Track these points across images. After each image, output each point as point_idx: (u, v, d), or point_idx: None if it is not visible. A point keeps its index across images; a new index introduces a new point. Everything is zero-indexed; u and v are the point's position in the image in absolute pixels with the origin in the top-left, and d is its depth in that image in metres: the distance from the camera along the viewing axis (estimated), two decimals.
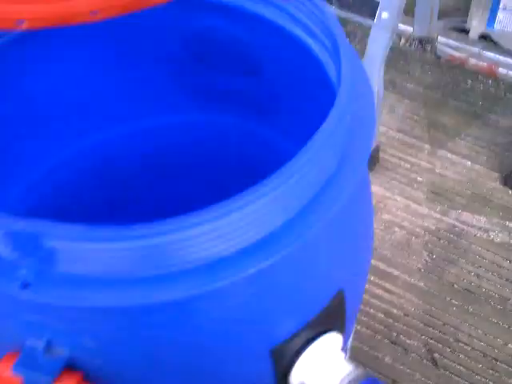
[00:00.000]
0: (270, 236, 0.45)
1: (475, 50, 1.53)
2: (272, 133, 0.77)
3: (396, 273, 1.20)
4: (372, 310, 1.14)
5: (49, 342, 0.48)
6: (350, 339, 0.70)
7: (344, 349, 0.65)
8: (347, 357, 0.76)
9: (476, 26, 1.57)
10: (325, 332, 0.55)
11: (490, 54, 1.52)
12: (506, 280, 1.19)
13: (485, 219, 1.29)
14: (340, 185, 0.47)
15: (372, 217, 0.63)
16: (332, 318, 0.56)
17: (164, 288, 0.43)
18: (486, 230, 1.27)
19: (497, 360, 1.08)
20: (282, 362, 0.54)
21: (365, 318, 1.12)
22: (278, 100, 0.73)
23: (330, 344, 0.55)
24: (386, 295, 1.16)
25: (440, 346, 1.09)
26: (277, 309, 0.50)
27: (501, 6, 1.50)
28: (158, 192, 0.85)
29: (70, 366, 0.48)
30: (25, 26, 0.42)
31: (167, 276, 0.43)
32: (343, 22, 1.61)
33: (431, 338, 1.10)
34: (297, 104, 0.71)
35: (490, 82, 1.55)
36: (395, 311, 1.14)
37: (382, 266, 1.20)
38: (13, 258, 0.43)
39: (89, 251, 0.42)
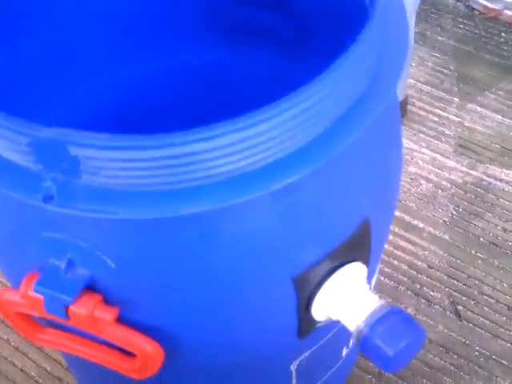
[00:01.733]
0: (297, 152, 0.43)
1: (510, 0, 1.49)
2: (300, 69, 0.75)
3: (421, 225, 1.18)
4: (396, 262, 1.13)
5: (70, 262, 0.47)
6: (375, 278, 0.69)
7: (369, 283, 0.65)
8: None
9: None
10: (349, 262, 0.54)
11: None
12: None
13: None
14: (371, 104, 0.45)
15: (401, 147, 0.61)
16: (357, 248, 0.55)
17: (187, 201, 0.42)
18: None
19: None
20: (305, 291, 0.53)
21: (388, 269, 1.11)
22: (307, 34, 0.71)
23: (354, 274, 0.54)
24: (411, 247, 1.15)
25: (464, 298, 1.08)
26: (300, 233, 0.49)
27: None
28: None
29: (90, 288, 0.48)
30: None
31: (191, 189, 0.42)
32: None
33: (455, 291, 1.09)
34: (326, 38, 0.69)
35: None
36: (419, 263, 1.13)
37: (407, 218, 1.19)
38: (37, 169, 0.42)
39: (113, 161, 0.41)
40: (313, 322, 0.56)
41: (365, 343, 0.52)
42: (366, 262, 0.57)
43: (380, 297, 0.55)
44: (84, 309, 0.47)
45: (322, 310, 0.54)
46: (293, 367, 0.65)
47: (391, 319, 0.52)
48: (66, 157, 0.41)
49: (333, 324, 0.57)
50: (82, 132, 0.40)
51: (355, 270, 0.55)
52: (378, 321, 0.52)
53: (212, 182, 0.43)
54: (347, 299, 0.53)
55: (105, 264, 0.47)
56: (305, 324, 0.57)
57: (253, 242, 0.48)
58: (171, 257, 0.47)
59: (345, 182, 0.50)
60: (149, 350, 0.51)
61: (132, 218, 0.43)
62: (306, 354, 0.64)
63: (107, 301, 0.49)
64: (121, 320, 0.50)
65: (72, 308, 0.47)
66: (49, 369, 1.00)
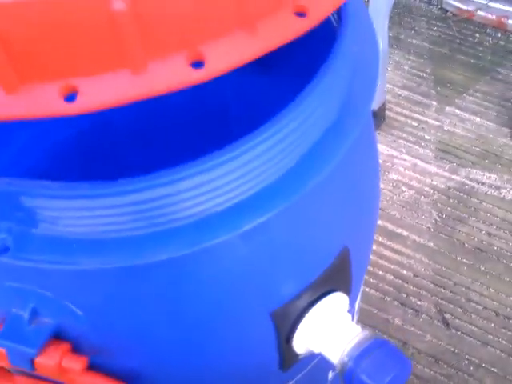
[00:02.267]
0: (266, 189, 0.41)
1: (483, 1, 1.48)
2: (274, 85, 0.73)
3: (405, 233, 1.17)
4: (381, 272, 1.11)
5: (34, 311, 0.45)
6: (358, 302, 0.67)
7: (351, 311, 0.63)
8: (355, 320, 0.73)
9: None
10: (329, 293, 0.52)
11: (499, 6, 1.47)
12: None
13: (495, 176, 1.25)
14: (343, 131, 0.43)
15: (378, 169, 0.59)
16: (337, 278, 0.53)
17: (153, 248, 0.40)
18: (497, 188, 1.23)
19: (510, 318, 1.05)
20: (284, 326, 0.51)
21: (373, 280, 1.10)
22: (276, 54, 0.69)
23: (335, 305, 0.52)
24: (395, 256, 1.13)
25: (451, 306, 1.07)
26: (276, 268, 0.47)
27: None
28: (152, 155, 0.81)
29: (56, 337, 0.45)
30: None
31: (156, 235, 0.40)
32: None
33: (442, 299, 1.07)
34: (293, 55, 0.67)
35: (499, 34, 1.50)
36: (404, 272, 1.11)
37: (390, 226, 1.17)
38: None
39: (72, 210, 0.39)
40: (295, 355, 0.54)
41: (349, 377, 0.50)
42: (347, 291, 0.55)
43: (363, 328, 0.53)
44: (51, 360, 0.45)
45: (303, 343, 0.52)
46: None
47: (376, 352, 0.50)
48: (20, 207, 0.39)
49: (317, 353, 0.55)
50: (36, 181, 0.38)
51: (336, 301, 0.53)
52: (362, 354, 0.50)
53: (180, 226, 0.40)
54: (329, 332, 0.51)
55: (71, 312, 0.45)
56: (286, 357, 0.55)
57: (227, 281, 0.46)
58: (141, 302, 0.45)
59: (320, 213, 0.48)
60: None
61: (94, 269, 0.41)
62: (291, 382, 0.62)
63: (77, 348, 0.47)
64: (93, 367, 0.47)
65: (38, 359, 0.45)
66: None
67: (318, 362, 0.63)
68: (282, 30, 0.33)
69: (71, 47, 0.29)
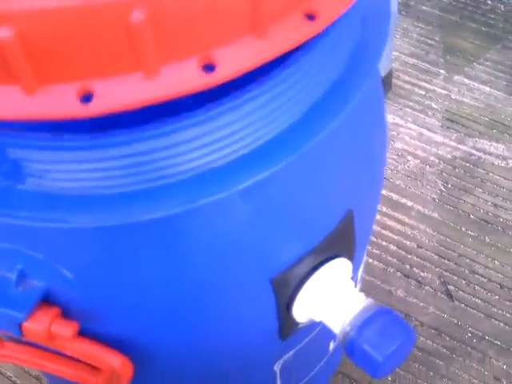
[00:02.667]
0: (269, 143, 0.39)
1: None
2: None
3: (409, 203, 1.14)
4: (384, 242, 1.09)
5: (21, 273, 0.43)
6: (361, 270, 0.65)
7: (354, 279, 0.60)
8: (358, 290, 0.71)
9: None
10: (332, 258, 0.50)
11: None
12: None
13: (503, 147, 1.22)
14: (350, 85, 0.41)
15: (385, 130, 0.57)
16: (340, 243, 0.51)
17: (147, 205, 0.38)
18: (505, 158, 1.20)
19: None
20: (285, 293, 0.49)
21: (376, 251, 1.07)
22: None
23: (337, 271, 0.50)
24: (399, 226, 1.11)
25: (455, 278, 1.04)
26: (277, 230, 0.45)
27: None
28: None
29: (45, 301, 0.44)
30: None
31: (150, 191, 0.38)
32: None
33: (446, 270, 1.05)
34: None
35: None
36: (408, 243, 1.09)
37: (394, 196, 1.15)
38: None
39: (60, 162, 0.36)
40: (295, 323, 0.52)
41: (351, 347, 0.48)
42: (351, 257, 0.53)
43: (366, 294, 0.51)
44: (40, 325, 0.43)
45: (303, 311, 0.50)
46: (277, 367, 0.61)
47: (379, 321, 0.48)
48: (5, 159, 0.36)
49: (317, 322, 0.53)
50: (21, 131, 0.35)
51: (339, 267, 0.50)
52: (365, 323, 0.48)
53: (174, 182, 0.38)
54: (331, 299, 0.50)
55: (61, 274, 0.43)
56: (286, 326, 0.53)
57: (224, 243, 0.44)
58: (134, 264, 0.43)
59: (324, 172, 0.45)
60: (115, 364, 0.46)
61: (85, 227, 0.38)
62: (290, 353, 0.60)
63: (67, 313, 0.45)
64: (84, 333, 0.46)
65: (26, 324, 0.43)
66: (26, 368, 0.96)
67: (319, 333, 0.62)
68: (292, 34, 0.34)
69: (88, 51, 0.30)
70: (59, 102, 0.31)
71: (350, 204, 0.49)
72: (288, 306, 0.50)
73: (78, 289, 0.44)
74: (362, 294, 0.50)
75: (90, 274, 0.43)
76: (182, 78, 0.32)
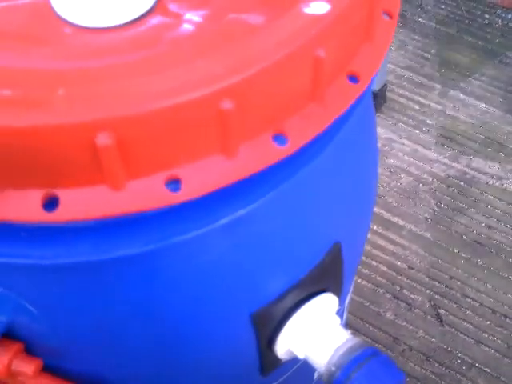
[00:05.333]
0: (250, 178, 0.35)
1: None
2: None
3: (401, 222, 1.11)
4: (374, 262, 1.06)
5: None
6: (348, 299, 0.62)
7: (341, 311, 0.57)
8: (345, 317, 0.68)
9: None
10: (317, 293, 0.46)
11: None
12: None
13: (498, 166, 1.19)
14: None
15: (377, 158, 0.54)
16: (326, 277, 0.47)
17: (118, 240, 0.35)
18: (499, 178, 1.18)
19: (506, 316, 1.00)
20: (266, 329, 0.46)
21: (366, 271, 1.04)
22: None
23: (323, 307, 0.47)
24: (390, 246, 1.08)
25: (446, 301, 1.01)
26: (258, 265, 0.42)
27: None
28: None
29: (7, 335, 0.40)
30: None
31: (122, 225, 0.35)
32: None
33: (436, 293, 1.02)
34: None
35: (510, 16, 1.43)
36: (399, 263, 1.06)
37: (386, 214, 1.12)
38: None
39: None
40: (276, 359, 0.49)
41: None
42: (338, 291, 0.49)
43: (353, 320, 0.48)
44: None
45: (286, 348, 0.47)
46: None
47: (367, 363, 0.44)
48: None
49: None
50: None
51: (325, 302, 0.47)
52: (352, 364, 0.44)
53: (148, 216, 0.35)
54: (315, 336, 0.46)
55: (24, 308, 0.39)
56: (268, 362, 0.49)
57: (202, 279, 0.40)
58: (104, 301, 0.40)
59: (308, 205, 0.42)
60: None
61: (43, 264, 0.35)
62: None
63: (31, 349, 0.41)
64: (49, 369, 0.42)
65: None
66: None
67: (303, 365, 0.58)
68: (262, 155, 0.34)
69: (55, 163, 0.31)
70: (23, 206, 0.32)
71: (337, 236, 0.46)
72: (270, 342, 0.47)
73: (43, 324, 0.40)
74: (348, 332, 0.47)
75: (56, 309, 0.40)
76: (147, 193, 0.32)
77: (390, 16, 0.38)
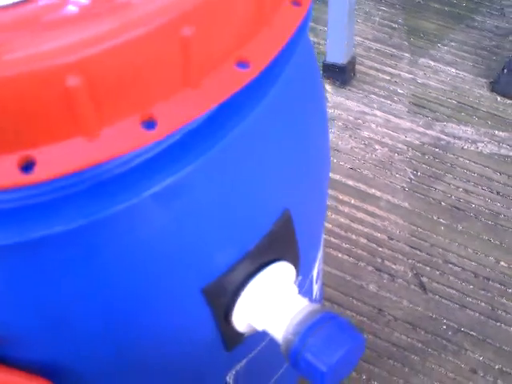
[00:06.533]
0: (180, 141, 0.35)
1: None
2: None
3: (378, 194, 1.10)
4: (354, 236, 1.05)
5: None
6: (316, 271, 0.61)
7: (305, 282, 0.56)
8: (317, 291, 0.67)
9: None
10: (271, 263, 0.46)
11: None
12: (497, 194, 1.09)
13: (472, 130, 1.18)
14: (272, 68, 0.37)
15: (325, 116, 0.52)
16: (279, 246, 0.47)
17: (48, 217, 0.34)
18: (474, 142, 1.17)
19: (489, 279, 0.99)
20: (220, 302, 0.45)
21: (346, 245, 1.04)
22: None
23: (278, 276, 0.46)
24: (369, 218, 1.07)
25: (428, 269, 1.01)
26: (203, 236, 0.41)
27: None
28: None
29: None
30: None
31: (50, 203, 0.34)
32: None
33: (418, 262, 1.01)
34: None
35: None
36: (379, 235, 1.05)
37: (362, 187, 1.11)
38: None
39: None
40: (237, 333, 0.48)
41: (294, 357, 0.44)
42: (294, 260, 0.49)
43: (312, 300, 0.47)
44: None
45: (244, 320, 0.46)
46: (229, 378, 0.57)
47: (324, 327, 0.44)
48: None
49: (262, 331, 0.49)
50: None
51: (279, 272, 0.46)
52: (309, 330, 0.44)
53: (75, 192, 0.34)
54: (272, 306, 0.45)
55: None
56: (229, 336, 0.49)
57: (145, 253, 0.39)
58: (43, 282, 0.38)
59: (250, 168, 0.41)
60: None
61: None
62: (242, 363, 0.56)
63: None
64: (4, 359, 0.41)
65: None
66: None
67: (271, 341, 0.57)
68: (226, 83, 0.34)
69: (26, 121, 0.30)
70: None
71: (287, 203, 0.45)
72: (226, 315, 0.46)
73: None
74: (306, 300, 0.46)
75: (1, 296, 0.39)
76: (123, 137, 0.32)
77: (299, 3, 0.37)
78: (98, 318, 0.41)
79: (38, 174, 0.31)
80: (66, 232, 0.35)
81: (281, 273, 0.46)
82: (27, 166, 0.31)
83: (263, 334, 0.54)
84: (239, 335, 0.49)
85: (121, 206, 0.35)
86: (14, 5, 0.32)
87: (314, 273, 0.61)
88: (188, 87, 0.33)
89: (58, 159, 0.31)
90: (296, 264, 0.49)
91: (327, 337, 0.43)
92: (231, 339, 0.49)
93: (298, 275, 0.50)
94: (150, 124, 0.32)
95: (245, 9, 0.34)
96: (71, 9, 0.32)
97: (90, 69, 0.30)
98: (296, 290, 0.47)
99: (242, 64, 0.35)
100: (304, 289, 0.57)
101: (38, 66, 0.29)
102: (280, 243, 0.46)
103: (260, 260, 0.45)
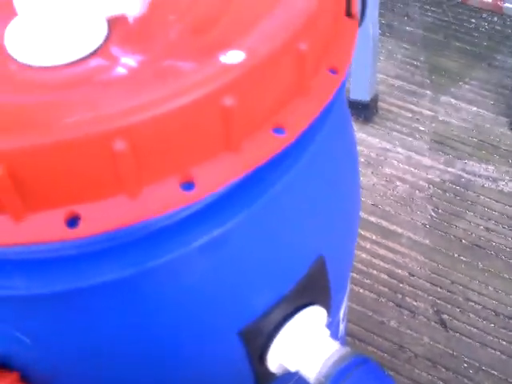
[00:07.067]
0: (224, 196, 0.36)
1: None
2: None
3: (399, 230, 1.11)
4: (375, 272, 1.06)
5: None
6: (343, 311, 0.62)
7: (334, 323, 0.58)
8: (342, 330, 0.68)
9: None
10: (305, 306, 0.47)
11: None
12: None
13: (493, 168, 1.20)
14: (311, 127, 0.38)
15: (357, 166, 0.54)
16: (312, 290, 0.48)
17: (97, 267, 0.36)
18: (495, 180, 1.18)
19: (510, 318, 1.00)
20: (256, 345, 0.46)
21: (367, 281, 1.05)
22: None
23: (311, 320, 0.48)
24: (390, 255, 1.08)
25: (449, 306, 1.02)
26: (242, 283, 0.42)
27: None
28: None
29: (2, 365, 0.41)
30: None
31: (101, 253, 0.36)
32: None
33: (439, 299, 1.02)
34: None
35: (496, 19, 1.45)
36: (400, 271, 1.06)
37: (384, 223, 1.12)
38: None
39: None
40: (270, 373, 0.49)
41: None
42: (326, 304, 0.50)
43: (337, 337, 0.48)
44: None
45: (278, 361, 0.48)
46: None
47: (355, 372, 0.45)
48: None
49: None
50: None
51: (312, 315, 0.48)
52: (341, 374, 0.45)
53: (125, 242, 0.36)
54: (305, 349, 0.47)
55: (17, 339, 0.40)
56: (261, 376, 0.50)
57: (185, 300, 0.41)
58: (93, 328, 0.40)
59: (287, 220, 0.43)
60: None
61: (32, 294, 0.36)
62: None
63: (27, 377, 0.42)
64: None
65: None
66: None
67: (300, 378, 0.59)
68: (263, 148, 0.36)
69: (74, 179, 0.32)
70: (47, 226, 0.33)
71: (320, 249, 0.47)
72: (261, 356, 0.47)
73: (37, 353, 0.41)
74: (337, 343, 0.47)
75: (47, 338, 0.41)
76: (163, 196, 0.33)
77: (336, 71, 0.39)
78: (137, 360, 0.43)
79: (82, 230, 0.32)
80: (115, 280, 0.37)
81: (314, 316, 0.48)
82: (73, 221, 0.33)
83: (293, 374, 0.55)
84: (271, 375, 0.50)
85: (168, 256, 0.37)
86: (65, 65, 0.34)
87: (341, 313, 0.63)
88: (227, 151, 0.35)
89: (102, 215, 0.33)
90: (328, 307, 0.50)
91: (359, 381, 0.45)
92: (263, 379, 0.51)
93: (329, 316, 0.51)
94: (188, 185, 0.34)
95: (285, 79, 0.36)
96: (121, 71, 0.34)
97: (135, 134, 0.31)
98: (328, 332, 0.48)
99: (279, 129, 0.37)
100: (331, 329, 0.58)
101: (91, 131, 0.31)
102: (314, 287, 0.48)
103: (295, 304, 0.46)
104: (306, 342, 0.47)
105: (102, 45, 0.36)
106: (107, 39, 0.36)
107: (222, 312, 0.43)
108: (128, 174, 0.32)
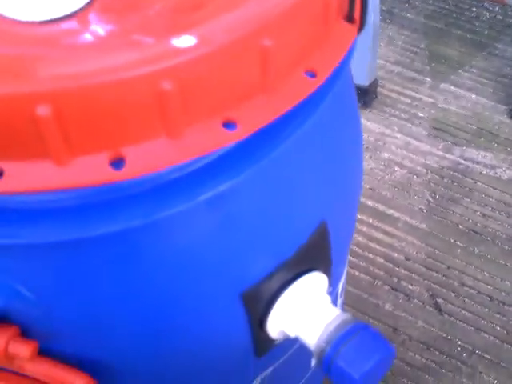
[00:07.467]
0: (231, 150, 0.36)
1: None
2: None
3: (396, 214, 1.12)
4: (371, 255, 1.06)
5: None
6: (342, 283, 0.62)
7: (334, 293, 0.58)
8: (340, 303, 0.69)
9: None
10: (306, 272, 0.47)
11: None
12: None
13: (491, 155, 1.20)
14: (317, 91, 0.38)
15: (360, 137, 0.54)
16: (314, 257, 0.48)
17: (103, 217, 0.36)
18: (493, 167, 1.18)
19: (504, 303, 1.00)
20: (257, 308, 0.46)
21: (363, 264, 1.05)
22: None
23: (312, 286, 0.48)
24: (386, 238, 1.08)
25: (444, 290, 1.02)
26: (245, 243, 0.42)
27: None
28: None
29: (3, 319, 0.41)
30: None
31: (107, 203, 0.36)
32: None
33: (434, 283, 1.03)
34: None
35: (497, 8, 1.45)
36: (396, 255, 1.06)
37: (381, 207, 1.13)
38: None
39: None
40: (269, 339, 0.50)
41: (327, 364, 0.46)
42: (327, 271, 0.50)
43: (351, 312, 0.48)
44: None
45: (277, 327, 0.48)
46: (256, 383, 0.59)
47: (356, 337, 0.45)
48: None
49: (295, 338, 0.51)
50: None
51: (314, 281, 0.48)
52: (341, 339, 0.45)
53: (132, 193, 0.36)
54: (305, 314, 0.47)
55: (19, 293, 0.40)
56: (261, 342, 0.50)
57: (189, 257, 0.41)
58: (94, 281, 0.40)
59: (294, 180, 0.43)
60: None
61: (36, 243, 0.36)
62: (269, 370, 0.58)
63: (27, 332, 0.42)
64: (46, 353, 0.43)
65: None
66: None
67: (299, 348, 0.59)
68: (296, 90, 0.37)
69: (119, 120, 0.32)
70: (91, 169, 0.33)
71: (323, 215, 0.47)
72: (261, 321, 0.48)
73: (37, 307, 0.41)
74: (338, 309, 0.47)
75: (45, 291, 0.40)
76: (204, 137, 0.34)
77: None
78: (138, 318, 0.43)
79: (128, 171, 0.33)
80: (119, 231, 0.37)
81: (315, 282, 0.48)
82: (117, 164, 0.33)
83: (292, 342, 0.56)
84: (271, 342, 0.50)
85: (174, 209, 0.37)
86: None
87: (340, 286, 0.63)
88: (265, 93, 0.35)
89: (146, 157, 0.33)
90: (329, 274, 0.50)
91: (360, 345, 0.45)
92: (263, 345, 0.51)
93: (329, 286, 0.52)
94: (230, 125, 0.35)
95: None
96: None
97: (181, 75, 0.32)
98: (329, 299, 0.48)
99: (310, 73, 0.37)
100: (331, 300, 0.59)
101: (135, 73, 0.31)
102: (315, 254, 0.48)
103: (296, 269, 0.47)
104: (307, 307, 0.47)
105: (81, 9, 0.35)
106: (89, 5, 0.36)
107: (226, 272, 0.43)
108: (172, 113, 0.32)
